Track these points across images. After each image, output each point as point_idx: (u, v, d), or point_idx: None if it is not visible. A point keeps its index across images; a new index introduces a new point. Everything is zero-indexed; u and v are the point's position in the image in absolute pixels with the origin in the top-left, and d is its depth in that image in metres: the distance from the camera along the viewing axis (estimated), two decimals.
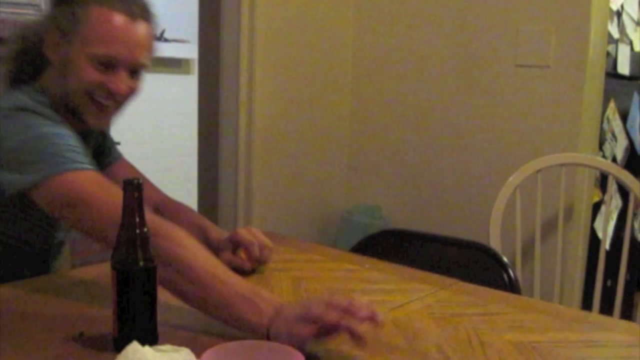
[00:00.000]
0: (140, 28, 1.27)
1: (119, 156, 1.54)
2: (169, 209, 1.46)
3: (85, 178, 1.15)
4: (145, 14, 1.29)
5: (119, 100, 1.30)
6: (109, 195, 1.10)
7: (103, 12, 1.24)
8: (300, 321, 0.93)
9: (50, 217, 1.31)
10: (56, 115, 1.25)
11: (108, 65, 1.25)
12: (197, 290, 1.02)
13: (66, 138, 1.20)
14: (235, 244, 1.38)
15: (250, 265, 1.36)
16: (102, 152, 1.49)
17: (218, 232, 1.42)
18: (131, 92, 1.31)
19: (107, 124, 1.36)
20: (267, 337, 0.96)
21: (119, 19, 1.24)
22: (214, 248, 1.34)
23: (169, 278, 1.02)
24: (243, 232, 1.38)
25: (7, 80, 1.34)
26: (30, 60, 1.33)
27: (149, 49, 1.30)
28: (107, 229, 1.04)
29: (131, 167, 1.53)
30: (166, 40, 4.09)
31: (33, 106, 1.22)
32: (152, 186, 1.48)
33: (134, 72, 1.30)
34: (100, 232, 1.10)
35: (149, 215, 1.06)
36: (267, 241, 1.39)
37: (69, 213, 1.15)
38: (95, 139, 1.46)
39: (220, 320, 1.01)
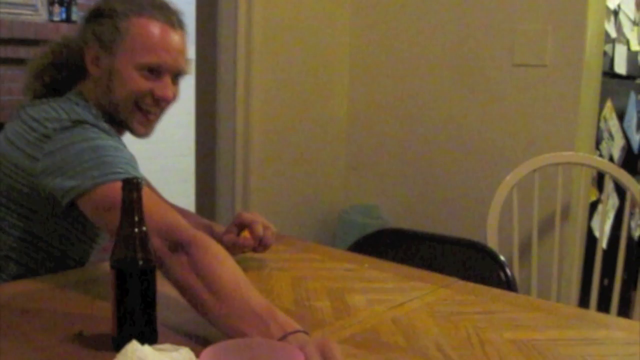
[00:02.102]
0: (180, 36, 1.33)
1: None
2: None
3: None
4: (181, 23, 1.34)
5: (163, 106, 1.35)
6: (153, 203, 1.09)
7: (145, 22, 1.28)
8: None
9: (93, 231, 1.34)
10: (112, 129, 1.28)
11: (155, 72, 1.29)
12: (214, 301, 0.99)
13: (122, 151, 1.22)
14: (240, 226, 1.41)
15: (253, 243, 1.38)
16: None
17: (222, 228, 1.45)
18: (174, 98, 1.35)
19: (151, 132, 1.38)
20: None
21: (161, 27, 1.29)
22: (219, 240, 1.34)
23: (191, 285, 1.01)
24: (246, 214, 1.42)
25: (33, 89, 1.36)
26: (64, 72, 1.35)
27: (187, 55, 1.36)
28: None
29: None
30: None
31: (91, 120, 1.25)
32: (160, 196, 1.49)
33: (175, 78, 1.34)
34: None
35: (187, 226, 1.08)
36: (270, 224, 1.41)
37: (111, 216, 1.10)
38: None
39: (227, 334, 0.95)
